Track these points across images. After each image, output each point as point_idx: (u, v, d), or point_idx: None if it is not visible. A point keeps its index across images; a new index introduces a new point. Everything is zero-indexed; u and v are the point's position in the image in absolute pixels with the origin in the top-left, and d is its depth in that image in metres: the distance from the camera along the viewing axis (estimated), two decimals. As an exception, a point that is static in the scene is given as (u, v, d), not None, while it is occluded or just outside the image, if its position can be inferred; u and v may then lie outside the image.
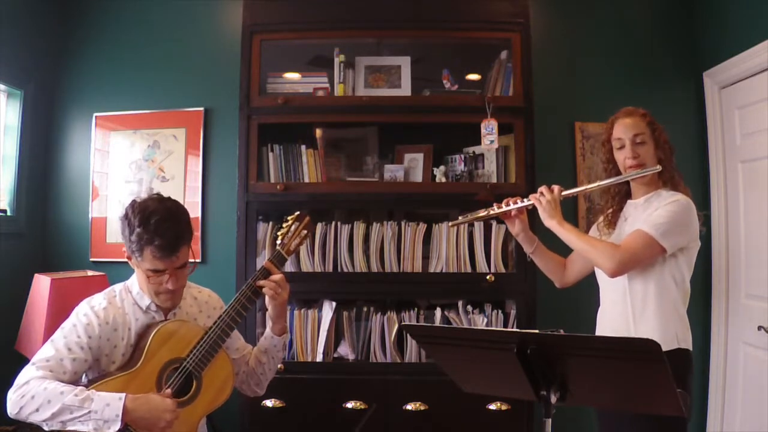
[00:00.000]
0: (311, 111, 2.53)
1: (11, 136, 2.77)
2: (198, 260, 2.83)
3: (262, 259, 2.35)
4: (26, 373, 1.46)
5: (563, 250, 1.92)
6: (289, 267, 2.42)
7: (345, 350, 2.43)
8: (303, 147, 2.54)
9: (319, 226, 2.44)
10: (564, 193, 1.82)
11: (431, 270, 2.45)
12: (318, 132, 2.66)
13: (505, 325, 2.42)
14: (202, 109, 2.90)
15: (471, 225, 2.43)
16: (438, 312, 2.41)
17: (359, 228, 2.45)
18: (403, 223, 2.45)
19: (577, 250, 1.85)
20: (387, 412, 2.30)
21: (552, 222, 1.78)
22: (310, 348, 2.41)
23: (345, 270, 2.44)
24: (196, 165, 2.89)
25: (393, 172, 2.59)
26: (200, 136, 2.89)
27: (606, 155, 1.88)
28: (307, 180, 2.52)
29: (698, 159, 2.83)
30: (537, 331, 1.21)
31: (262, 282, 1.70)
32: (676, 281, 1.72)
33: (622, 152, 1.79)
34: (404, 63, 2.60)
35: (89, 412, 1.40)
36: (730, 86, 2.69)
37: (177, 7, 2.96)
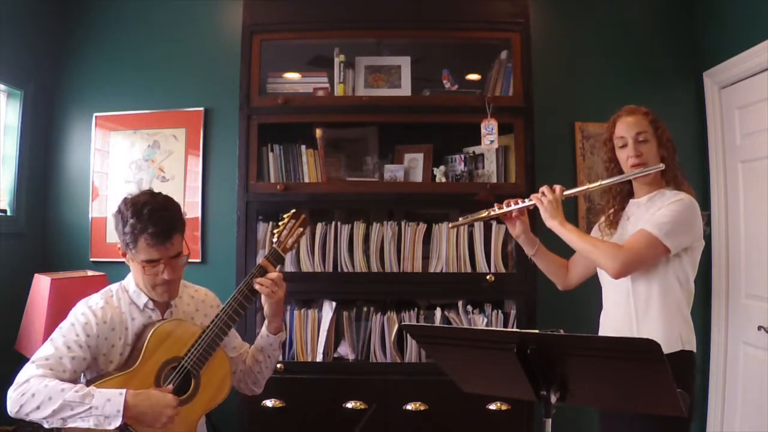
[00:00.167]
0: (311, 111, 2.53)
1: (11, 136, 2.77)
2: (198, 259, 2.85)
3: (262, 259, 2.35)
4: (26, 372, 1.46)
5: (565, 251, 1.91)
6: (289, 267, 2.43)
7: (345, 350, 2.43)
8: (303, 147, 2.54)
9: (319, 226, 2.45)
10: (566, 193, 1.80)
11: (431, 270, 2.45)
12: (318, 132, 2.66)
13: (505, 325, 2.42)
14: (202, 109, 2.90)
15: (471, 225, 2.42)
16: (438, 312, 2.41)
17: (359, 228, 2.45)
18: (403, 223, 2.45)
19: (579, 251, 1.82)
20: (387, 412, 2.29)
21: (554, 222, 1.76)
22: (310, 348, 2.41)
23: (345, 270, 2.44)
24: (196, 165, 2.89)
25: (393, 172, 2.59)
26: (200, 136, 2.89)
27: (608, 154, 1.85)
28: (307, 180, 2.52)
29: (698, 159, 2.83)
30: (537, 331, 1.21)
31: (258, 280, 1.70)
32: (680, 282, 1.69)
33: (625, 151, 1.77)
34: (404, 63, 2.60)
35: (90, 408, 1.40)
36: (730, 86, 2.69)
37: (177, 7, 2.96)
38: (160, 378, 1.55)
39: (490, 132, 2.41)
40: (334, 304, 2.43)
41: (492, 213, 1.90)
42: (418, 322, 2.40)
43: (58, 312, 2.13)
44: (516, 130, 2.47)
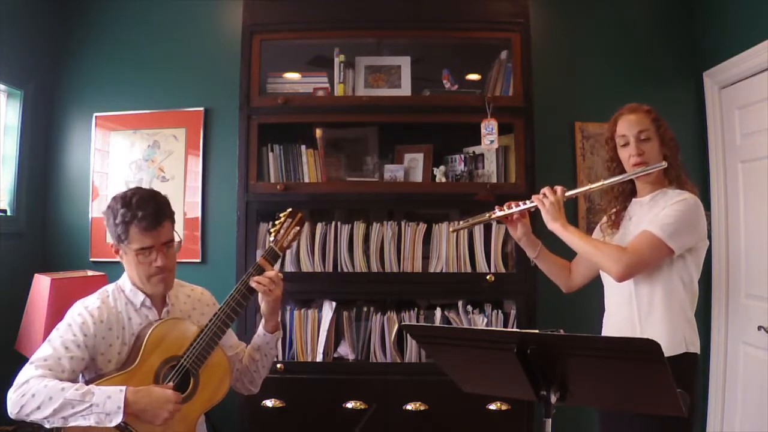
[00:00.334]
0: (311, 111, 2.53)
1: (11, 136, 2.77)
2: (198, 259, 2.85)
3: (262, 259, 2.35)
4: (25, 373, 1.47)
5: (567, 253, 1.88)
6: (289, 267, 2.43)
7: (345, 350, 2.43)
8: (303, 147, 2.54)
9: (319, 226, 2.45)
10: (567, 194, 1.76)
11: (431, 270, 2.45)
12: (318, 132, 2.66)
13: (505, 325, 2.42)
14: (202, 109, 2.90)
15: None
16: (438, 312, 2.41)
17: (359, 228, 2.45)
18: (403, 223, 2.45)
19: (582, 254, 1.79)
20: (387, 412, 2.29)
21: (555, 225, 1.72)
22: (310, 348, 2.41)
23: (345, 270, 2.44)
24: (196, 165, 2.89)
25: (393, 172, 2.59)
26: (200, 136, 2.89)
27: (609, 153, 1.82)
28: (307, 180, 2.52)
29: (698, 159, 2.83)
30: (537, 331, 1.20)
31: (255, 278, 1.70)
32: (684, 283, 1.67)
33: (627, 150, 1.74)
34: (404, 63, 2.60)
35: (91, 405, 1.41)
36: (730, 86, 2.69)
37: (177, 7, 2.96)
38: (159, 377, 1.56)
39: (490, 132, 2.41)
40: (334, 304, 2.43)
41: (493, 216, 1.86)
42: (418, 322, 2.40)
43: (58, 312, 2.13)
44: (516, 130, 2.47)
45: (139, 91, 2.95)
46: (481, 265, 2.44)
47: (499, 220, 1.92)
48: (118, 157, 2.94)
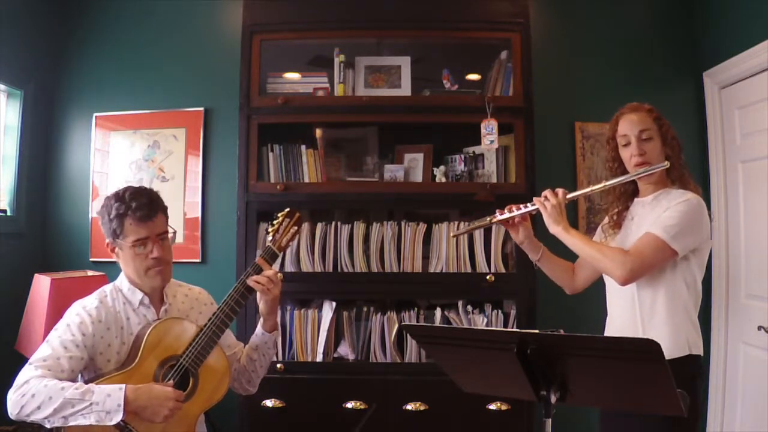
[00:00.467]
0: (311, 111, 2.53)
1: (11, 136, 2.77)
2: (198, 259, 2.85)
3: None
4: (25, 373, 1.47)
5: (569, 254, 1.86)
6: (288, 267, 2.43)
7: (345, 350, 2.43)
8: (303, 147, 2.54)
9: (319, 226, 2.45)
10: (569, 196, 1.73)
11: (431, 270, 2.45)
12: (318, 132, 2.66)
13: (505, 325, 2.42)
14: (202, 109, 2.90)
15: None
16: (438, 312, 2.41)
17: (359, 228, 2.45)
18: (403, 223, 2.45)
19: (584, 258, 1.76)
20: (387, 412, 2.29)
21: (557, 228, 1.69)
22: (310, 348, 2.41)
23: (345, 270, 2.44)
24: (196, 165, 2.89)
25: (393, 172, 2.59)
26: (200, 136, 2.89)
27: (611, 153, 1.79)
28: (307, 180, 2.52)
29: (698, 159, 2.82)
30: (537, 331, 1.20)
31: (254, 277, 1.71)
32: (688, 284, 1.65)
33: (628, 149, 1.72)
34: (404, 63, 2.60)
35: (91, 404, 1.41)
36: (730, 86, 2.69)
37: (177, 8, 2.96)
38: (158, 376, 1.56)
39: (490, 132, 2.41)
40: (334, 304, 2.43)
41: (494, 219, 1.83)
42: (418, 322, 2.40)
43: (58, 312, 2.11)
44: (516, 130, 2.47)
45: (139, 91, 2.95)
46: (481, 265, 2.44)
47: (501, 224, 1.89)
48: (118, 157, 2.94)
